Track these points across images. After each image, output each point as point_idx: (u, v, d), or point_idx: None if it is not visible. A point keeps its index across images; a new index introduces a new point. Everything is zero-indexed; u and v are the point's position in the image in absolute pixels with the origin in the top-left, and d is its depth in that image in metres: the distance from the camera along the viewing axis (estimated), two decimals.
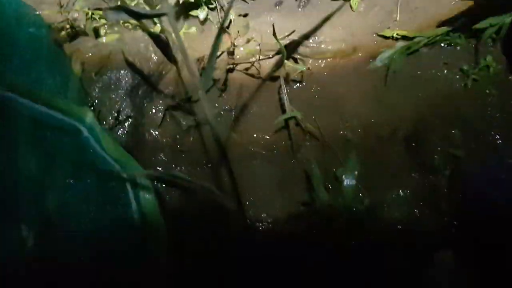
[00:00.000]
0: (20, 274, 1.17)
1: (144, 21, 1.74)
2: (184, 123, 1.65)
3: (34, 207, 1.16)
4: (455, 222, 1.47)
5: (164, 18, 1.74)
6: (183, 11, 1.72)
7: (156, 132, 1.62)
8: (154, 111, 1.63)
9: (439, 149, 1.57)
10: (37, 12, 1.48)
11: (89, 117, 1.19)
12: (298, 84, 1.69)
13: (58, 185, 1.09)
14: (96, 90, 1.52)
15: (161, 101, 1.64)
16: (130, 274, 1.08)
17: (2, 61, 1.20)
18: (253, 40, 1.67)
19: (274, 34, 1.39)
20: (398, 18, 1.68)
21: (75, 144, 1.15)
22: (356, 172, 1.45)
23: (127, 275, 1.09)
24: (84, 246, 1.13)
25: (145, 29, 1.64)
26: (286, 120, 1.61)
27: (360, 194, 1.47)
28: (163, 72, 1.70)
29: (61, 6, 1.85)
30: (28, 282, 1.18)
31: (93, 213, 1.07)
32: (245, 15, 1.74)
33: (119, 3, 1.82)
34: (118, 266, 1.08)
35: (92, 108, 1.54)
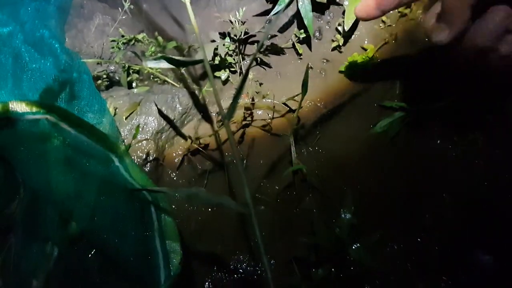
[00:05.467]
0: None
1: (172, 79, 1.98)
2: (199, 167, 1.81)
3: (62, 224, 1.29)
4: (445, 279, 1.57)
5: (190, 75, 2.00)
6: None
7: (174, 174, 1.78)
8: (174, 155, 1.80)
9: (431, 210, 1.71)
10: (82, 60, 1.69)
11: (121, 149, 1.35)
12: (305, 142, 1.86)
13: (88, 202, 1.22)
14: (125, 132, 1.70)
15: (180, 147, 1.82)
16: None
17: (51, 95, 1.40)
18: (268, 99, 1.89)
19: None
20: (397, 92, 1.89)
21: (107, 170, 1.30)
22: (352, 223, 1.57)
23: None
24: (105, 261, 1.25)
25: (175, 84, 1.87)
26: (293, 174, 1.77)
27: (355, 244, 1.56)
28: (185, 122, 1.90)
29: (101, 58, 2.12)
30: None
31: (119, 228, 1.18)
32: (261, 84, 1.97)
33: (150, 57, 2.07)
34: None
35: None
